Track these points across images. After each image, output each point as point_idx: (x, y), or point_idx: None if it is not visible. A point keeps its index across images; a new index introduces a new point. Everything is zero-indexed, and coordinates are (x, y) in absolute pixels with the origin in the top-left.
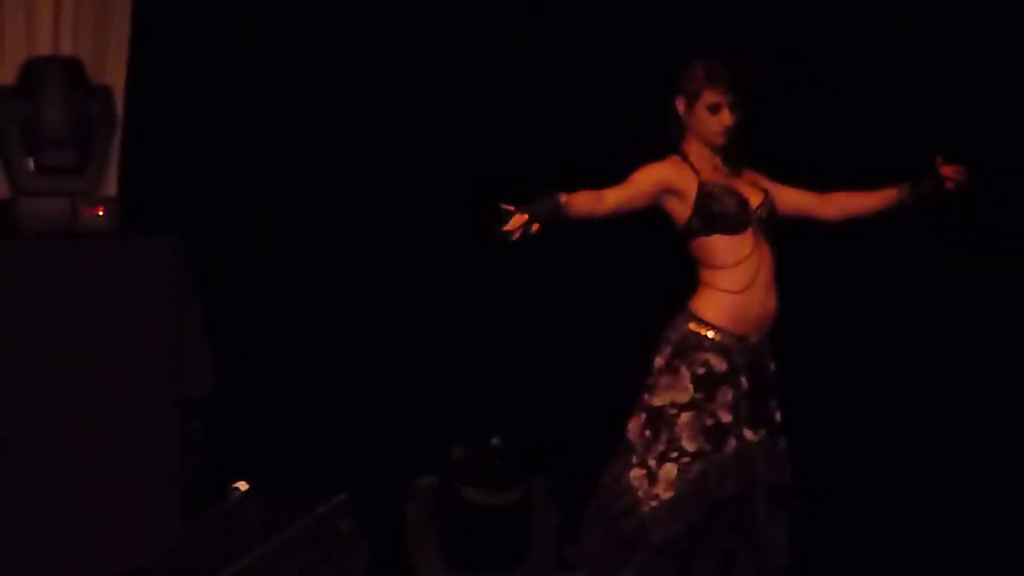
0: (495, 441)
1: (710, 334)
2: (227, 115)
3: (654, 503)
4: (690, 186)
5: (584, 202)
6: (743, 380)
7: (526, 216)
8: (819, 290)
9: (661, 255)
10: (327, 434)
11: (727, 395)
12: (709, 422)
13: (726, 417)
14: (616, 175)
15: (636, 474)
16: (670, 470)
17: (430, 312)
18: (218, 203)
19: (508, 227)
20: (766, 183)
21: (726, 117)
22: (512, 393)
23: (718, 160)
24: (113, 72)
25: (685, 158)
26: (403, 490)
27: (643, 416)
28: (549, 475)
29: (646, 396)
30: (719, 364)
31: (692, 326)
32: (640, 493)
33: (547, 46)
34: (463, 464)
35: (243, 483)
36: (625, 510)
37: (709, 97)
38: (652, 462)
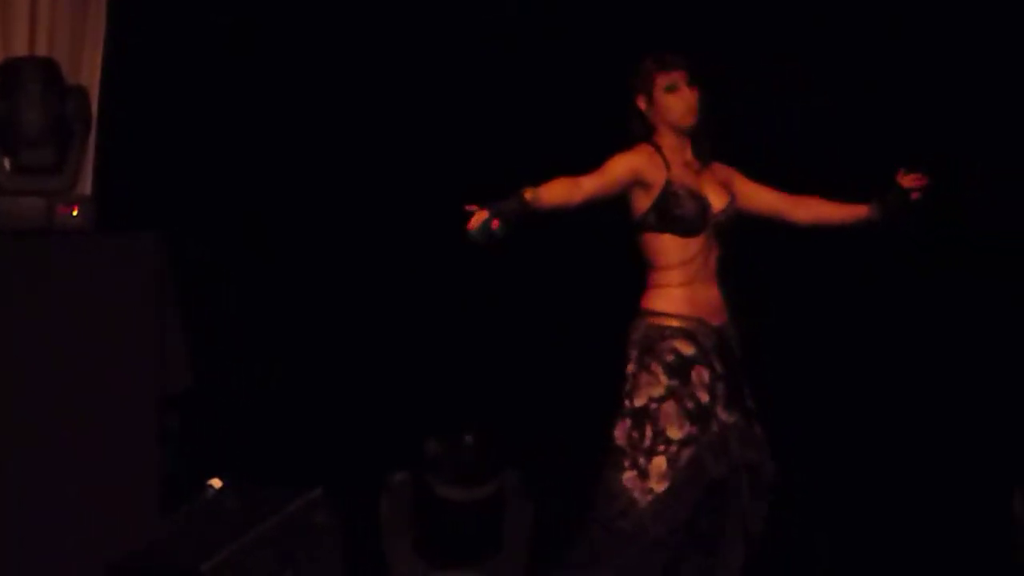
0: (469, 436)
1: (670, 322)
2: (201, 113)
3: (649, 497)
4: (658, 179)
5: (558, 193)
6: (715, 362)
7: (486, 212)
8: (794, 285)
9: (627, 249)
10: (302, 429)
11: (703, 375)
12: (690, 405)
13: (704, 398)
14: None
15: (628, 476)
16: (660, 463)
17: (404, 307)
18: (194, 201)
19: (470, 226)
20: (737, 182)
21: (686, 93)
22: (486, 388)
23: (689, 153)
24: (88, 72)
25: (658, 149)
26: (377, 485)
27: (628, 420)
28: (523, 470)
29: (627, 402)
30: (687, 348)
31: (650, 320)
32: (635, 493)
33: (538, 46)
34: (436, 459)
35: (217, 481)
36: (622, 511)
37: (663, 80)
38: (642, 460)
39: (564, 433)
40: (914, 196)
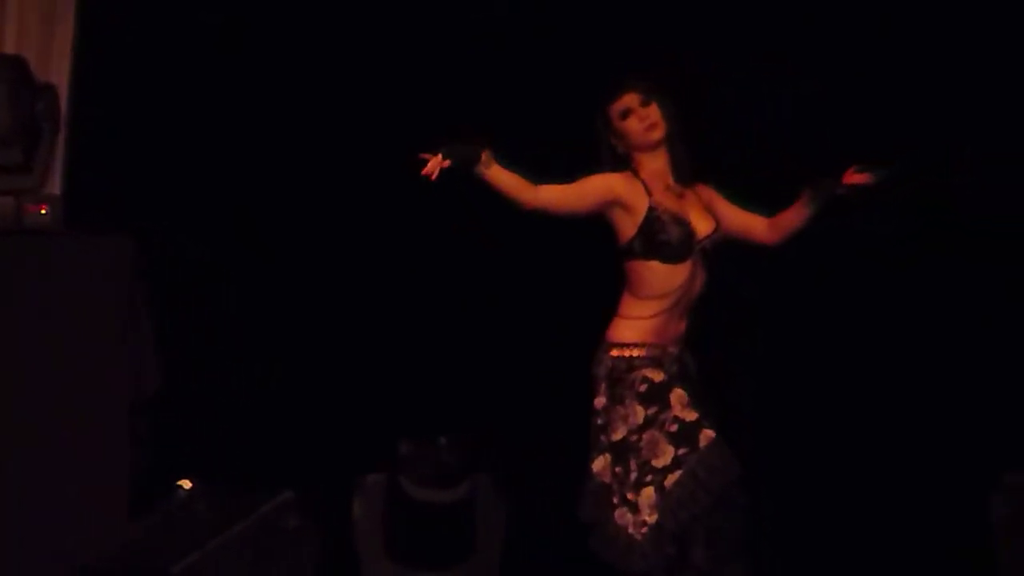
0: (441, 438)
1: (636, 352)
2: (170, 113)
3: (644, 530)
4: (640, 205)
5: (509, 181)
6: (681, 380)
7: (439, 156)
8: (765, 284)
9: (601, 254)
10: (273, 431)
11: (682, 396)
12: (674, 428)
13: (691, 416)
14: None
15: (619, 512)
16: (649, 493)
17: (377, 310)
18: (165, 201)
19: (425, 171)
20: (717, 204)
21: (642, 113)
22: (458, 390)
23: (670, 178)
24: (57, 71)
25: (636, 175)
26: (350, 487)
27: (608, 455)
28: (495, 472)
29: (602, 436)
30: (657, 375)
31: (614, 353)
32: (630, 529)
33: (533, 44)
34: (410, 461)
35: (187, 482)
36: (624, 551)
37: (616, 108)
38: (630, 495)
39: (537, 437)
40: (840, 191)
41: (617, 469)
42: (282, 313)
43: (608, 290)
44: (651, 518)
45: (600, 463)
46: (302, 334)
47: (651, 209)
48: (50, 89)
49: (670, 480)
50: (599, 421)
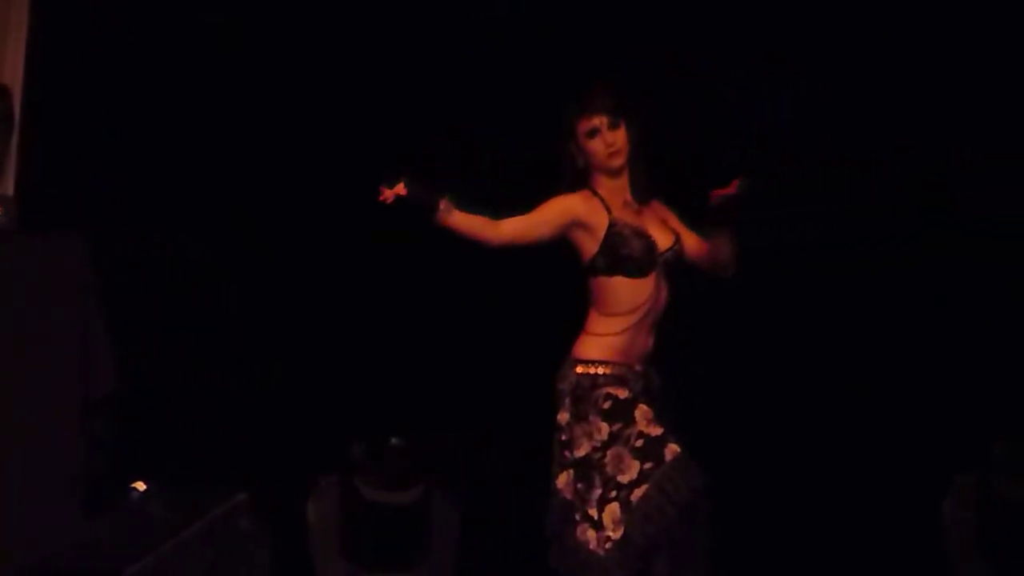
0: (395, 440)
1: (601, 370)
2: (124, 113)
3: (608, 545)
4: (600, 222)
5: (470, 224)
6: (645, 397)
7: (400, 185)
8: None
9: (554, 261)
10: (229, 433)
11: (647, 412)
12: (639, 443)
13: (656, 431)
14: None
15: (580, 528)
16: (613, 509)
17: (330, 311)
18: (119, 201)
19: (381, 197)
20: (671, 220)
21: (609, 137)
22: (412, 392)
23: (627, 194)
24: (11, 71)
25: (595, 193)
26: (304, 489)
27: (570, 472)
28: (449, 474)
29: (566, 452)
30: (622, 392)
31: (580, 369)
32: (591, 545)
33: (529, 43)
34: (363, 462)
35: (141, 484)
36: (583, 564)
37: (584, 126)
38: (592, 511)
39: (492, 439)
40: (714, 204)
41: (579, 485)
42: (237, 315)
43: (575, 299)
44: (616, 533)
45: (563, 479)
46: (256, 336)
47: (612, 225)
48: (3, 89)
49: (636, 494)
50: (563, 437)
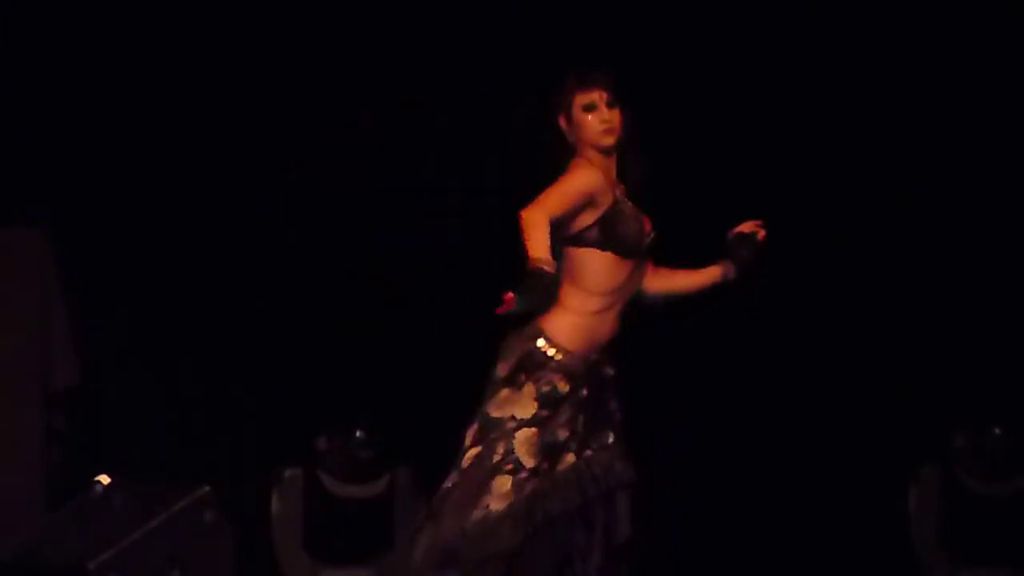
0: (359, 432)
1: (557, 355)
2: (84, 109)
3: (481, 514)
4: (605, 198)
5: (545, 238)
6: (583, 391)
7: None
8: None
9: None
10: (190, 425)
11: (566, 413)
12: (548, 439)
13: (562, 435)
14: None
15: (455, 479)
16: (504, 482)
17: (293, 303)
18: (80, 197)
19: (500, 310)
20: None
21: (605, 113)
22: (375, 384)
23: (613, 173)
24: None
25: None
26: (267, 481)
27: (476, 425)
28: (413, 466)
29: (486, 406)
30: (563, 385)
31: (539, 344)
32: (459, 504)
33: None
34: (327, 455)
35: (105, 477)
36: (451, 516)
37: (582, 98)
38: (480, 473)
39: (459, 432)
40: (760, 236)
41: (478, 441)
42: (197, 308)
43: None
44: (496, 506)
45: (470, 430)
46: (218, 329)
47: (616, 202)
48: None
49: (528, 486)
50: (489, 388)
